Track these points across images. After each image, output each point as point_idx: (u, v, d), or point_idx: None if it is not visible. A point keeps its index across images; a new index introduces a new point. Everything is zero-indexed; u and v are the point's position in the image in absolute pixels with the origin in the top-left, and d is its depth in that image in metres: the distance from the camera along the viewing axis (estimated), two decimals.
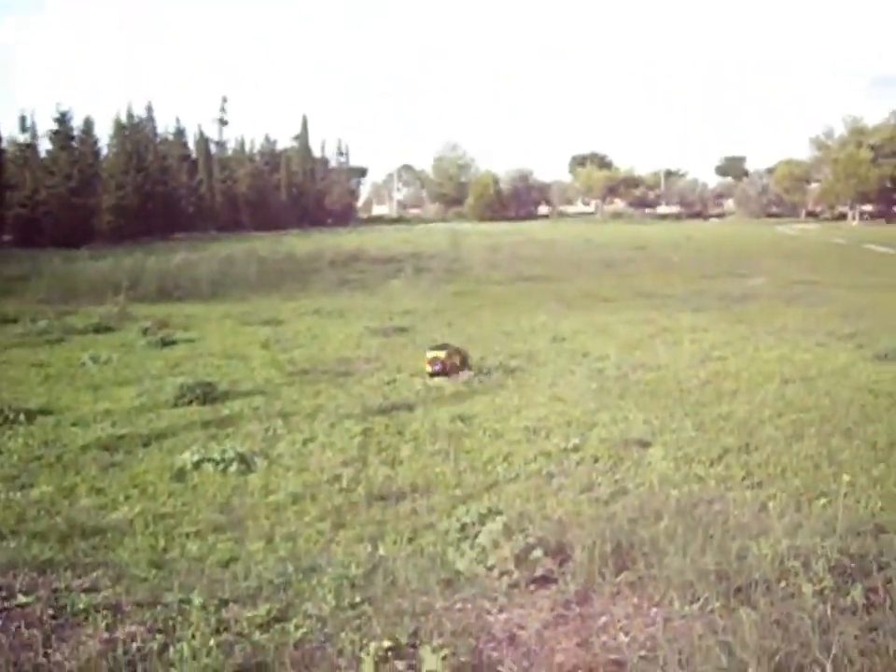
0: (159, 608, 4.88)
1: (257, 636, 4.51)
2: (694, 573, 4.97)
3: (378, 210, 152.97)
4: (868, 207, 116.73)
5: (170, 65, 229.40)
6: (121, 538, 6.79)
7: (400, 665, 3.99)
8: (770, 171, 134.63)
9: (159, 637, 4.50)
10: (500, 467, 8.61)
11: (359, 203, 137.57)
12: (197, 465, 8.63)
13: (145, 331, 17.63)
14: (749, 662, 3.59)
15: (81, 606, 4.94)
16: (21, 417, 10.48)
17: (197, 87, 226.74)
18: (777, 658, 3.66)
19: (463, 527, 6.33)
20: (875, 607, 4.60)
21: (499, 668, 4.10)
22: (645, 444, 9.26)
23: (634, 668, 3.92)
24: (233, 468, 8.55)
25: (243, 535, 6.80)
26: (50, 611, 4.88)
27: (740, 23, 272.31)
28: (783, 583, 4.83)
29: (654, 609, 4.71)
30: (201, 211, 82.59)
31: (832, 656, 3.59)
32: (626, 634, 4.36)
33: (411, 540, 6.58)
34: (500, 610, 4.82)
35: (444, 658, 3.92)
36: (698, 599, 4.70)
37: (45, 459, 9.00)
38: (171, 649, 4.33)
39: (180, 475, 8.47)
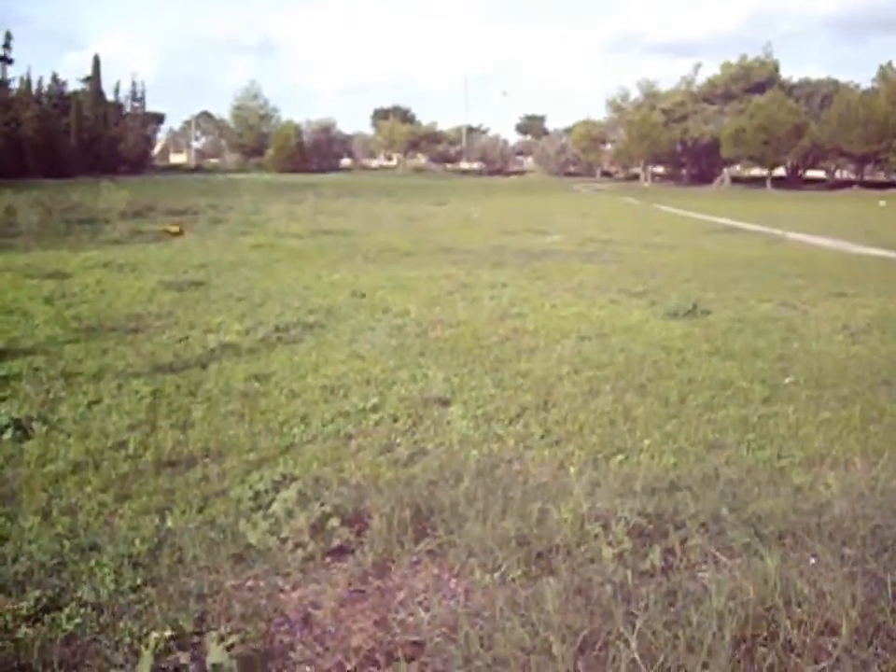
0: None
1: (22, 630, 4.09)
2: (495, 539, 4.86)
3: (175, 159, 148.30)
4: (659, 169, 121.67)
5: None
6: None
7: (184, 657, 3.67)
8: (568, 130, 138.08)
9: None
10: (297, 428, 8.31)
11: (155, 151, 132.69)
12: None
13: None
14: (553, 641, 3.48)
15: None
16: None
17: None
18: (582, 635, 3.57)
19: (256, 495, 6.04)
20: (673, 569, 4.61)
21: (291, 654, 3.85)
22: (445, 403, 9.16)
23: (433, 649, 3.75)
24: (8, 435, 7.87)
25: (15, 510, 6.23)
26: None
27: None
28: (583, 548, 4.78)
29: (454, 580, 4.57)
30: None
31: (636, 630, 3.53)
32: (426, 610, 4.19)
33: (201, 510, 6.20)
34: (294, 588, 4.56)
35: (231, 646, 3.63)
36: (499, 567, 4.59)
37: None
38: None
39: None
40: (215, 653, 3.59)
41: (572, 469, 6.80)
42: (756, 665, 3.48)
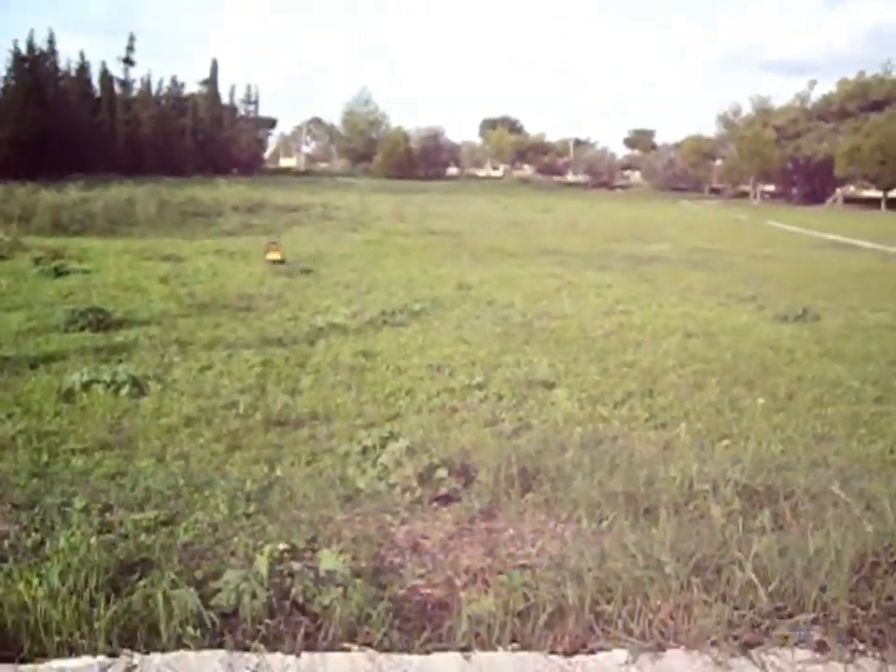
0: (36, 509, 4.56)
1: (142, 537, 4.24)
2: (602, 495, 4.85)
3: (285, 162, 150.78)
4: (769, 187, 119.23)
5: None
6: (1, 452, 6.40)
7: (297, 565, 3.75)
8: (677, 145, 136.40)
9: (35, 535, 4.20)
10: (403, 400, 8.40)
11: (267, 154, 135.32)
12: (86, 386, 8.20)
13: (37, 260, 16.93)
14: (666, 560, 3.46)
15: None
16: None
17: (104, 24, 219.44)
18: (695, 559, 3.54)
19: (364, 450, 6.16)
20: (784, 529, 4.54)
21: (401, 571, 3.91)
22: (550, 385, 9.16)
23: (543, 573, 3.75)
24: (125, 390, 8.15)
25: (132, 453, 6.45)
26: None
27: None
28: (691, 506, 4.74)
29: (561, 526, 4.57)
30: (102, 151, 79.83)
31: (751, 555, 3.49)
32: (533, 545, 4.21)
33: (309, 463, 6.32)
34: (402, 523, 4.64)
35: (344, 561, 3.70)
36: (606, 518, 4.58)
37: None
38: (47, 545, 4.02)
39: (68, 395, 8.04)
40: (328, 560, 3.66)
41: (677, 448, 6.73)
42: (875, 591, 3.41)
